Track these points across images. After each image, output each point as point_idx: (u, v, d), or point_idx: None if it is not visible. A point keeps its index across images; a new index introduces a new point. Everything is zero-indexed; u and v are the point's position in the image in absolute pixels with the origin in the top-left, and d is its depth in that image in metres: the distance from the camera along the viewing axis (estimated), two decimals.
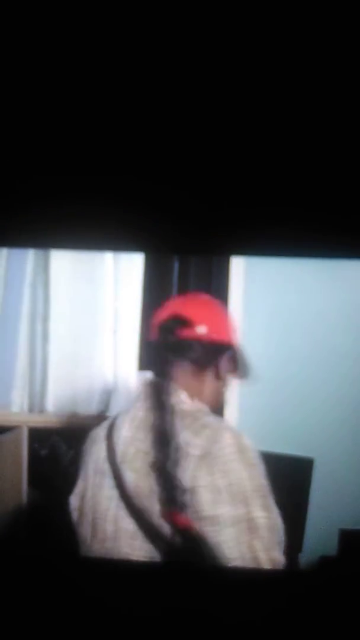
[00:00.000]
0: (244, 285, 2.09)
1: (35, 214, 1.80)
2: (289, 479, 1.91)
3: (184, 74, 1.73)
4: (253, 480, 1.47)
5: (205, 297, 1.72)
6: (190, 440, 1.48)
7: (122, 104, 1.77)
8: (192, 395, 1.56)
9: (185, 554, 1.54)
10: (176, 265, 2.14)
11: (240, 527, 1.45)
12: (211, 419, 1.54)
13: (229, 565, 1.50)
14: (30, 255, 2.21)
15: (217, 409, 1.65)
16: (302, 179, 1.77)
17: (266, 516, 1.47)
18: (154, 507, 1.49)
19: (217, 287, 2.08)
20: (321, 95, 1.72)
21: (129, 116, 1.77)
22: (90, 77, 1.77)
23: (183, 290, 2.12)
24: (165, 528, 1.50)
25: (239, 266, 2.09)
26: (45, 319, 2.24)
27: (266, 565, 1.48)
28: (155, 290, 2.17)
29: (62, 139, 1.80)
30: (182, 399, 1.55)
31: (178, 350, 1.58)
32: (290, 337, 1.91)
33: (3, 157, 1.80)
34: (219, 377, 1.60)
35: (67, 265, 2.23)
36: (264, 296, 1.84)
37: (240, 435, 1.49)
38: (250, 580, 1.61)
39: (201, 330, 1.58)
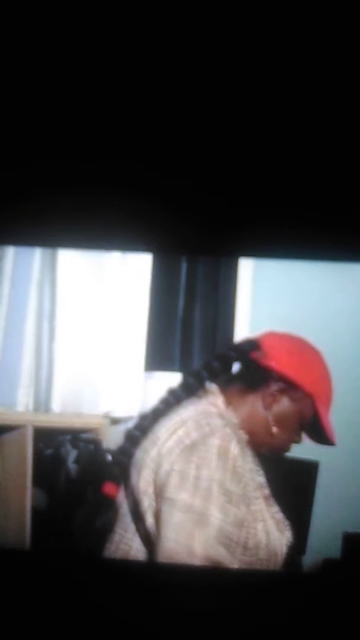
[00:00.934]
0: (251, 287, 2.08)
1: (44, 213, 1.80)
2: (293, 481, 1.90)
3: (196, 75, 1.73)
4: (223, 483, 1.52)
5: (300, 339, 1.74)
6: (190, 432, 1.56)
7: (134, 109, 1.77)
8: (229, 404, 1.63)
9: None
10: (184, 267, 2.14)
11: (189, 517, 1.50)
12: (219, 421, 1.58)
13: (163, 547, 1.54)
14: (37, 254, 2.21)
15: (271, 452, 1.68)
16: (312, 181, 1.77)
17: (221, 519, 1.51)
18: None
19: (225, 289, 2.08)
20: (336, 101, 1.72)
21: (140, 118, 1.77)
22: (99, 78, 1.76)
23: (191, 291, 2.11)
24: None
25: (247, 268, 2.09)
26: (52, 318, 2.23)
27: (197, 559, 1.51)
28: (163, 291, 2.16)
29: (73, 140, 1.79)
30: (217, 403, 1.63)
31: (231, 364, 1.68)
32: None
33: (12, 157, 1.79)
34: (265, 403, 1.64)
35: (74, 265, 2.22)
36: (271, 298, 1.83)
37: (231, 441, 1.55)
38: (253, 582, 1.60)
39: (260, 354, 1.66)
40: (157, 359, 2.19)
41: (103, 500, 1.63)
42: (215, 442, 1.54)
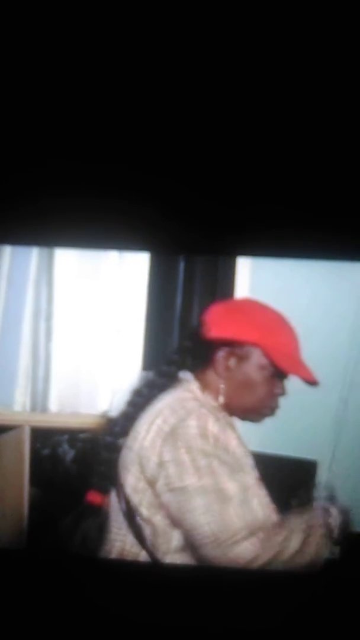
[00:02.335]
0: (250, 287, 2.08)
1: (40, 212, 1.80)
2: (291, 480, 1.90)
3: (193, 75, 1.72)
4: (219, 456, 1.55)
5: (234, 300, 1.74)
6: (167, 418, 1.57)
7: (132, 111, 1.76)
8: (204, 388, 1.64)
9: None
10: (182, 266, 2.13)
11: (210, 498, 1.52)
12: (193, 403, 1.60)
13: (201, 533, 1.53)
14: (34, 253, 2.20)
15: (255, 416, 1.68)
16: (310, 181, 1.77)
17: (236, 487, 1.53)
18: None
19: (223, 288, 2.07)
20: (333, 101, 1.71)
21: (137, 117, 1.76)
22: (96, 80, 1.76)
23: (188, 290, 2.11)
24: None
25: (245, 267, 2.09)
26: (49, 317, 2.23)
27: (245, 532, 1.52)
28: (160, 290, 2.16)
29: (68, 136, 1.79)
30: (191, 389, 1.63)
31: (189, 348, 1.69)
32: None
33: (8, 158, 1.79)
34: (217, 373, 1.64)
35: (71, 264, 2.22)
36: (269, 298, 1.82)
37: (207, 420, 1.56)
38: (252, 582, 1.60)
39: (204, 329, 1.66)
40: (154, 358, 2.18)
41: (87, 508, 1.66)
42: (192, 423, 1.56)
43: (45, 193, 1.81)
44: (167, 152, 1.78)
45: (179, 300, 2.13)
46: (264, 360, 1.64)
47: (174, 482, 1.54)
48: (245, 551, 1.51)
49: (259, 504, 1.57)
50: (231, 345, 1.64)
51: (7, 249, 2.17)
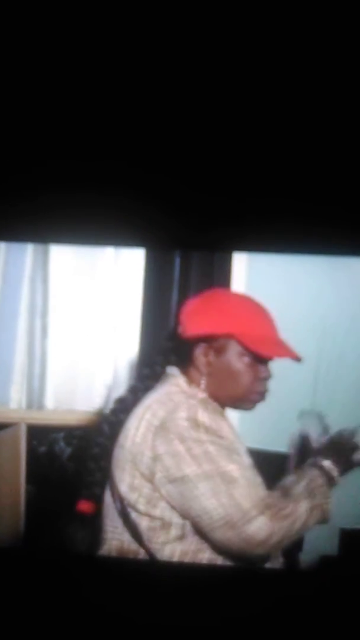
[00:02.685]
0: (246, 282, 2.08)
1: (35, 208, 1.79)
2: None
3: (186, 67, 1.72)
4: (213, 442, 1.56)
5: (203, 294, 1.74)
6: (156, 412, 1.59)
7: (125, 100, 1.75)
8: (191, 383, 1.65)
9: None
10: (177, 261, 2.13)
11: (214, 482, 1.53)
12: (181, 396, 1.62)
13: (212, 516, 1.54)
14: (29, 250, 2.20)
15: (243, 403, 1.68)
16: (305, 174, 1.76)
17: (237, 468, 1.55)
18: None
19: (219, 284, 2.07)
20: (328, 92, 1.70)
21: (131, 113, 1.76)
22: (93, 77, 1.75)
23: (184, 286, 2.11)
24: None
25: (241, 262, 2.08)
26: (44, 314, 2.23)
27: (252, 511, 1.53)
28: (156, 286, 2.15)
29: (63, 133, 1.78)
30: (178, 382, 1.65)
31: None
32: (294, 334, 1.89)
33: (4, 155, 1.78)
34: (199, 370, 1.65)
35: (66, 260, 2.21)
36: (265, 293, 1.82)
37: (197, 410, 1.58)
38: (250, 579, 1.60)
39: (180, 328, 1.69)
40: (150, 355, 2.18)
41: (79, 518, 1.68)
42: (181, 414, 1.57)
43: (39, 190, 1.80)
44: (161, 147, 1.77)
45: (174, 296, 2.13)
46: (240, 349, 1.64)
47: (174, 473, 1.55)
48: (259, 529, 1.52)
49: (260, 483, 1.59)
50: (207, 340, 1.65)
51: (2, 246, 2.17)
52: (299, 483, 1.59)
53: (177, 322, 1.70)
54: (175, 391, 1.64)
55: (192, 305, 1.70)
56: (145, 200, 1.77)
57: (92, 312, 2.23)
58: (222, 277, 2.08)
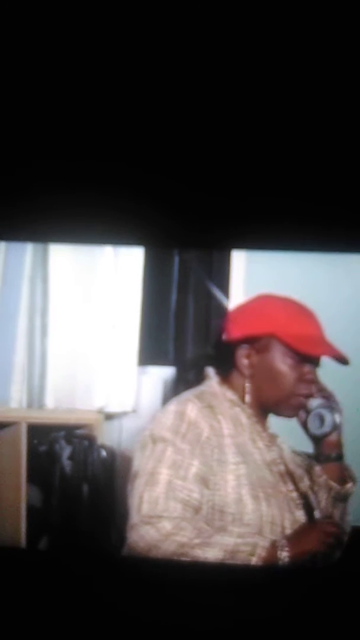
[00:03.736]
0: (245, 280, 2.07)
1: (34, 208, 1.79)
2: None
3: (185, 67, 1.72)
4: (174, 442, 1.59)
5: (247, 300, 1.76)
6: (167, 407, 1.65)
7: (124, 99, 1.75)
8: (223, 383, 1.68)
9: None
10: (176, 260, 2.13)
11: (141, 480, 1.58)
12: (189, 394, 1.67)
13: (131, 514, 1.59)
14: (29, 249, 2.20)
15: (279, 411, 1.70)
16: (304, 172, 1.76)
17: (170, 474, 1.56)
18: None
19: (218, 282, 2.06)
20: (326, 91, 1.71)
21: (130, 113, 1.76)
22: (93, 78, 1.75)
23: (183, 285, 2.10)
24: None
25: (240, 260, 2.08)
26: (44, 313, 2.22)
27: (144, 518, 1.55)
28: (156, 285, 2.15)
29: (62, 132, 1.78)
30: (211, 384, 1.68)
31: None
32: None
33: (4, 154, 1.78)
34: (242, 373, 1.67)
35: (66, 259, 2.21)
36: (265, 291, 1.82)
37: (187, 405, 1.61)
38: (252, 579, 1.60)
39: (224, 335, 1.73)
40: (150, 354, 2.18)
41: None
42: (171, 408, 1.62)
43: (39, 189, 1.80)
44: (160, 147, 1.78)
45: (174, 295, 2.12)
46: (283, 348, 1.65)
47: (133, 465, 1.61)
48: (140, 538, 1.54)
49: (234, 494, 1.58)
50: (249, 342, 1.66)
51: (2, 245, 2.16)
52: (237, 538, 1.57)
53: (221, 330, 1.73)
54: (201, 389, 1.67)
55: (235, 311, 1.74)
56: (144, 199, 1.78)
57: (91, 311, 2.23)
58: (220, 275, 2.07)
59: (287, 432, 1.73)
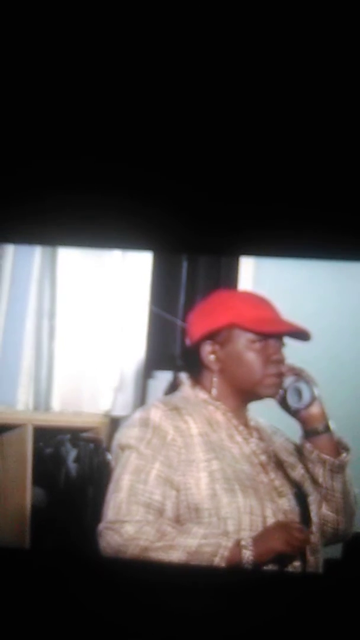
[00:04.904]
0: (252, 286, 2.07)
1: (43, 211, 1.80)
2: None
3: (199, 75, 1.72)
4: (138, 447, 1.61)
5: (203, 299, 1.78)
6: None
7: (136, 107, 1.76)
8: (195, 385, 1.70)
9: None
10: (185, 265, 2.13)
11: (111, 487, 1.60)
12: (157, 401, 1.70)
13: None
14: (37, 252, 2.20)
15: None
16: (313, 180, 1.76)
17: (133, 479, 1.58)
18: None
19: (226, 287, 2.07)
20: (334, 100, 1.71)
21: (140, 117, 1.76)
22: (98, 81, 1.76)
23: (191, 290, 2.11)
24: None
25: (247, 267, 2.08)
26: (52, 316, 2.23)
27: (106, 524, 1.57)
28: (163, 289, 2.16)
29: (72, 136, 1.79)
30: (183, 388, 1.71)
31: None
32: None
33: (13, 157, 1.79)
34: (210, 369, 1.68)
35: (74, 263, 2.21)
36: (272, 297, 1.82)
37: (150, 410, 1.64)
38: (255, 583, 1.60)
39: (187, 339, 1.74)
40: (157, 358, 2.19)
41: None
42: (136, 415, 1.64)
43: (48, 192, 1.81)
44: (169, 151, 1.78)
45: (181, 299, 2.13)
46: (244, 334, 1.67)
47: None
48: (107, 544, 1.56)
49: (207, 490, 1.59)
50: (211, 338, 1.68)
51: (11, 248, 2.17)
52: (200, 539, 1.56)
53: (184, 336, 1.74)
54: (172, 395, 1.70)
55: (192, 314, 1.74)
56: (153, 204, 1.78)
57: (99, 314, 2.23)
58: (228, 281, 2.08)
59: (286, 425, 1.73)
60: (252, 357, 1.66)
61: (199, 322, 1.70)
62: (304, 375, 1.68)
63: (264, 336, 1.66)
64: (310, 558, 1.62)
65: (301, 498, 1.65)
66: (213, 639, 1.67)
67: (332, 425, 1.68)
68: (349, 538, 1.73)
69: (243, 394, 1.68)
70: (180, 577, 1.57)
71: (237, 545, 1.53)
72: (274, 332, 1.67)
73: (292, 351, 1.72)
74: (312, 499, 1.65)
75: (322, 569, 1.65)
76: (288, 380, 1.68)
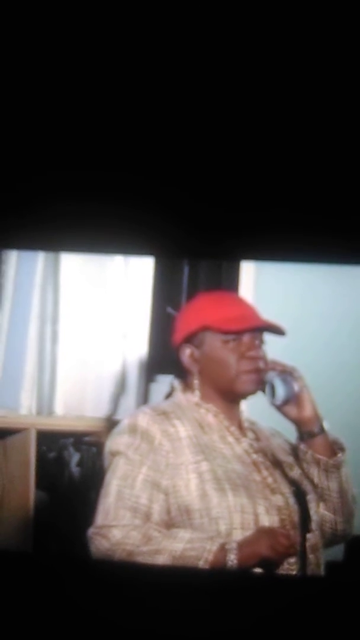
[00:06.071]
0: (253, 291, 2.08)
1: (46, 217, 1.81)
2: None
3: (197, 82, 1.73)
4: (126, 453, 1.61)
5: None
6: None
7: (137, 112, 1.77)
8: (186, 390, 1.71)
9: None
10: (186, 270, 2.14)
11: (102, 493, 1.60)
12: (147, 407, 1.77)
13: None
14: (40, 258, 2.21)
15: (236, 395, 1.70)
16: (313, 184, 1.77)
17: (120, 484, 1.59)
18: None
19: (228, 292, 2.08)
20: (334, 104, 1.72)
21: (140, 124, 1.77)
22: (100, 90, 1.77)
23: (193, 294, 2.11)
24: None
25: (249, 271, 2.09)
26: (55, 321, 2.24)
27: (94, 529, 1.58)
28: (165, 294, 2.17)
29: (74, 142, 1.80)
30: (176, 394, 1.71)
31: None
32: (300, 343, 1.90)
33: (16, 165, 1.80)
34: (191, 371, 1.70)
35: (77, 268, 2.22)
36: (273, 301, 1.84)
37: (137, 416, 1.64)
38: (255, 585, 1.60)
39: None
40: (159, 362, 2.19)
41: None
42: (125, 422, 1.65)
43: (51, 200, 1.82)
44: (170, 158, 1.79)
45: (183, 304, 2.13)
46: (216, 335, 1.68)
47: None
48: (96, 549, 1.57)
49: (196, 491, 1.59)
50: (188, 340, 1.70)
51: (14, 254, 2.18)
52: (186, 543, 1.56)
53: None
54: (163, 401, 1.72)
55: (175, 320, 1.77)
56: (154, 210, 1.79)
57: (101, 319, 2.24)
58: (229, 285, 2.08)
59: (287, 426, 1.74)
60: (225, 356, 1.67)
61: (178, 326, 1.73)
62: (283, 372, 1.69)
63: (236, 334, 1.68)
64: (311, 556, 1.62)
65: (300, 496, 1.66)
66: (213, 639, 1.67)
67: (326, 425, 1.68)
68: (349, 538, 1.73)
69: (224, 394, 1.69)
70: (183, 579, 1.58)
71: (222, 549, 1.53)
72: (240, 329, 1.68)
73: (293, 353, 1.73)
74: (311, 497, 1.66)
75: (324, 569, 1.66)
76: (267, 377, 1.69)
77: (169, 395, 1.74)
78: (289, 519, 1.61)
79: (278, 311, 1.82)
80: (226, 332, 1.67)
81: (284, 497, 1.63)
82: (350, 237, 1.75)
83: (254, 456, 1.66)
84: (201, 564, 1.52)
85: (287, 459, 1.70)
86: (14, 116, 1.80)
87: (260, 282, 2.08)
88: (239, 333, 1.67)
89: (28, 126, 1.80)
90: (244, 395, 1.70)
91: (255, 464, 1.65)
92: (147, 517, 1.57)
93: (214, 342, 1.68)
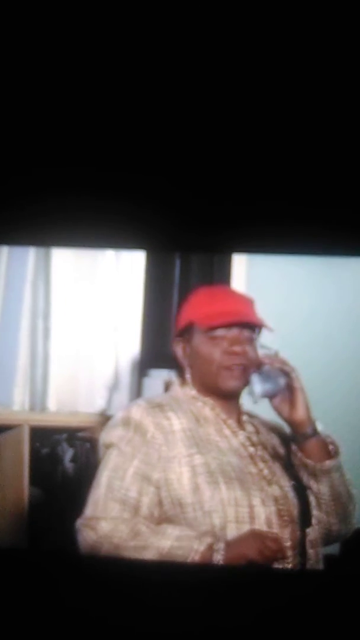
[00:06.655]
0: (246, 283, 2.08)
1: (36, 212, 1.80)
2: None
3: (186, 72, 1.73)
4: (119, 445, 1.63)
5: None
6: None
7: (125, 103, 1.76)
8: (183, 385, 1.74)
9: None
10: (178, 263, 2.14)
11: (94, 484, 1.62)
12: (150, 398, 1.74)
13: None
14: (31, 253, 2.21)
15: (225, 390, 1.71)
16: (304, 176, 1.77)
17: (110, 475, 1.61)
18: None
19: (219, 285, 2.07)
20: (326, 95, 1.71)
21: (131, 114, 1.77)
22: (94, 85, 1.76)
23: (184, 288, 2.11)
24: None
25: (241, 264, 2.09)
26: (47, 316, 2.23)
27: (84, 521, 1.61)
28: (157, 288, 2.16)
29: (63, 136, 1.79)
30: (174, 388, 1.75)
31: None
32: (294, 336, 1.90)
33: (7, 160, 1.80)
34: (183, 366, 1.74)
35: (68, 263, 2.22)
36: (265, 294, 1.83)
37: (131, 409, 1.66)
38: (252, 580, 1.60)
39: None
40: (151, 357, 2.19)
41: None
42: (119, 415, 1.66)
43: (41, 194, 1.81)
44: (161, 151, 1.79)
45: (175, 298, 2.13)
46: (200, 330, 1.70)
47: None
48: (83, 540, 1.59)
49: (189, 484, 1.59)
50: (180, 335, 1.74)
51: (5, 249, 2.17)
52: (173, 540, 1.57)
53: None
54: (159, 394, 1.76)
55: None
56: (145, 203, 1.79)
57: (93, 314, 2.24)
58: (222, 279, 2.08)
59: None
60: (208, 351, 1.69)
61: (176, 321, 1.77)
62: (261, 372, 1.68)
63: (219, 329, 1.68)
64: (310, 551, 1.62)
65: (300, 491, 1.65)
66: (212, 634, 1.67)
67: (320, 427, 1.67)
68: (347, 538, 1.73)
69: (211, 389, 1.70)
70: (181, 574, 1.58)
71: (209, 549, 1.53)
72: (219, 324, 1.69)
73: (288, 349, 1.72)
74: (310, 492, 1.66)
75: (322, 564, 1.66)
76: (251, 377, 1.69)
77: (167, 388, 1.76)
78: (286, 510, 1.61)
79: (270, 305, 1.82)
80: (207, 328, 1.68)
81: (281, 489, 1.63)
82: (343, 229, 1.75)
83: (251, 449, 1.66)
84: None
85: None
86: (4, 112, 1.79)
87: (252, 275, 2.08)
88: (216, 328, 1.68)
89: (18, 122, 1.79)
90: (226, 391, 1.69)
91: (251, 456, 1.65)
92: (135, 510, 1.57)
93: (200, 338, 1.70)
